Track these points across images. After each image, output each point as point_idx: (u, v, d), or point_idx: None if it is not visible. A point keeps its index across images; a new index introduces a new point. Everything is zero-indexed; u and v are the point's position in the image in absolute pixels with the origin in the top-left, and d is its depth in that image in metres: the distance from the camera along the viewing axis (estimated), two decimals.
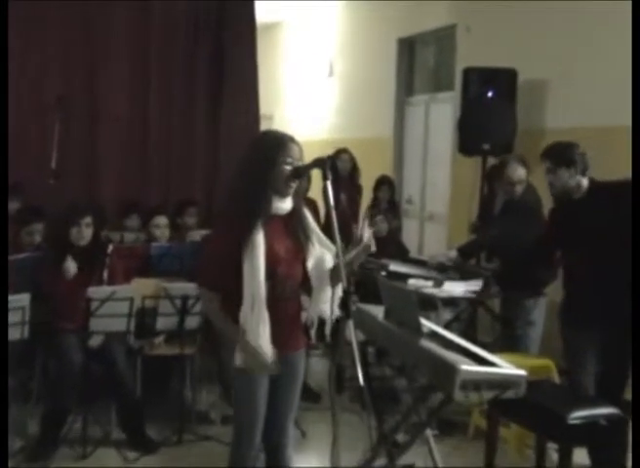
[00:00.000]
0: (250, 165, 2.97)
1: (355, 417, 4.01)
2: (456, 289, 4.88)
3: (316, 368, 6.17)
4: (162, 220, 5.60)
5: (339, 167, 6.97)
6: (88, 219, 4.52)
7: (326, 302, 3.07)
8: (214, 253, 2.98)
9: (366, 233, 2.96)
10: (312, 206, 6.76)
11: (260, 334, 2.88)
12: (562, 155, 3.98)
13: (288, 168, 2.92)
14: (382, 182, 7.22)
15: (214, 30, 7.04)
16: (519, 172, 4.98)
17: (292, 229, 3.04)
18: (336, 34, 9.72)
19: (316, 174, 2.99)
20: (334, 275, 3.04)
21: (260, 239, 2.87)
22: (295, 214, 3.05)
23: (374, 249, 2.99)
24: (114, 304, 4.14)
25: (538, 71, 6.23)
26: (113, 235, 5.75)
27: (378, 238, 6.25)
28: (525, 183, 5.00)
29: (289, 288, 2.98)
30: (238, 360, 2.91)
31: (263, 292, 2.87)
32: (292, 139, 2.99)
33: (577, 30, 5.89)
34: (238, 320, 2.88)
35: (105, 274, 4.51)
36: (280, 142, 2.96)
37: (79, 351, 4.26)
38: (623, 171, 4.01)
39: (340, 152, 7.16)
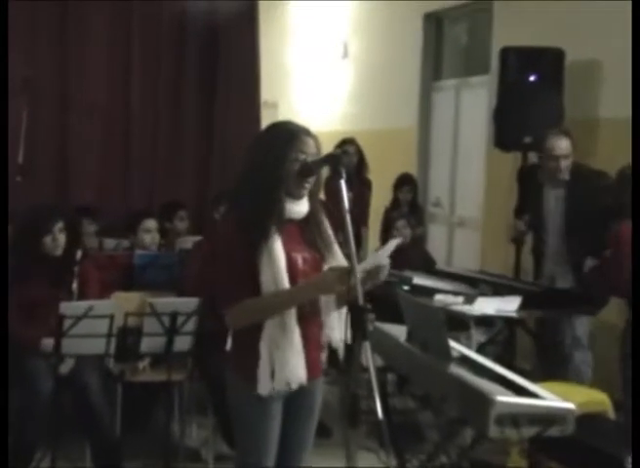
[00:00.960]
0: (257, 163, 2.95)
1: (372, 456, 3.99)
2: (490, 306, 4.86)
3: (327, 397, 6.13)
4: (152, 224, 5.58)
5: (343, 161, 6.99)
6: (61, 224, 4.53)
7: (334, 328, 3.08)
8: (228, 270, 2.93)
9: (382, 255, 2.96)
10: (325, 209, 6.77)
11: (293, 358, 2.90)
12: None
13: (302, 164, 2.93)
14: (404, 182, 7.20)
15: (205, 3, 7.06)
16: (562, 143, 4.98)
17: (309, 236, 3.03)
18: (351, 9, 9.74)
19: (324, 171, 3.01)
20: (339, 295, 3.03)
21: (278, 248, 2.87)
22: (311, 219, 3.05)
23: (383, 277, 2.98)
24: (91, 322, 4.12)
25: (589, 51, 6.21)
26: (91, 241, 5.76)
27: (400, 246, 6.29)
28: (571, 158, 4.99)
29: (308, 305, 2.96)
30: (264, 382, 2.89)
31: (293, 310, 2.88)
32: (306, 132, 2.98)
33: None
34: (257, 343, 2.88)
35: (75, 285, 4.51)
36: (292, 136, 2.94)
37: (48, 378, 4.25)
38: None
39: (345, 143, 7.15)
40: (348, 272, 2.73)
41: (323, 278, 2.86)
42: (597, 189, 5.02)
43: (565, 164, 5.04)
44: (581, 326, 5.14)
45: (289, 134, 2.96)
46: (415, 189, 7.27)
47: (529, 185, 5.52)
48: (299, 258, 2.96)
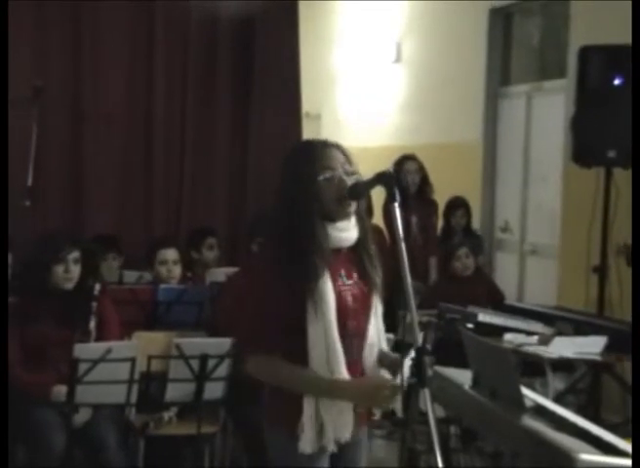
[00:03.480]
0: (285, 192, 3.00)
1: None
2: (569, 347, 4.83)
3: (380, 453, 6.14)
4: (170, 255, 5.63)
5: (404, 180, 6.99)
6: (75, 254, 4.57)
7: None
8: (262, 312, 2.90)
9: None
10: (379, 236, 6.79)
11: (342, 414, 2.89)
12: None
13: (336, 182, 2.93)
14: (456, 206, 7.24)
15: (239, 4, 7.14)
16: None
17: (358, 266, 3.02)
18: (404, 6, 9.78)
19: (376, 191, 3.01)
20: (383, 358, 3.06)
21: (327, 289, 2.85)
22: (360, 245, 3.04)
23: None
24: (109, 367, 4.16)
25: None
26: (111, 274, 5.81)
27: (462, 277, 6.29)
28: None
29: (356, 347, 2.97)
30: (308, 439, 2.87)
31: (341, 353, 2.87)
32: (328, 144, 3.01)
33: None
34: (300, 395, 2.88)
35: (92, 324, 4.54)
36: (313, 152, 2.98)
37: (60, 432, 4.28)
38: None
39: (406, 160, 7.17)
40: (396, 389, 2.79)
41: (370, 393, 2.87)
42: None
43: None
44: None
45: (310, 150, 3.00)
46: (468, 213, 7.29)
47: None
48: (348, 296, 2.95)
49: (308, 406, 2.86)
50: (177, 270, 5.63)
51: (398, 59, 9.84)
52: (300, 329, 2.83)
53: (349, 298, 2.94)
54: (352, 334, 2.95)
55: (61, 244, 4.60)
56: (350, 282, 2.98)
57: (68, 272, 4.53)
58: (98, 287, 4.69)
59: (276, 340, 2.85)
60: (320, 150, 2.97)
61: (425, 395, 2.75)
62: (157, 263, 5.62)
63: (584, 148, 6.28)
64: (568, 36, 7.35)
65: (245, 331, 3.00)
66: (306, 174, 2.92)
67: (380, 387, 2.84)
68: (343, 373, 2.86)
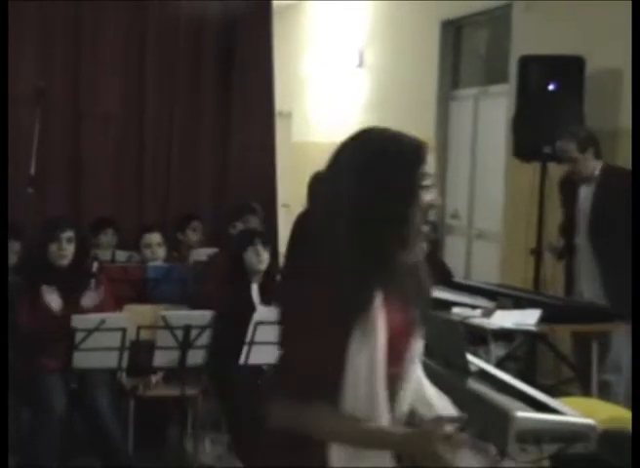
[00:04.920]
0: (369, 197, 2.11)
1: None
2: (509, 319, 4.84)
3: None
4: (154, 238, 5.64)
5: None
6: (69, 233, 4.55)
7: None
8: (325, 344, 2.04)
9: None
10: None
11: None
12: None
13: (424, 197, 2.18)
14: None
15: (220, 12, 7.11)
16: (567, 146, 5.17)
17: (410, 291, 2.27)
18: (367, 17, 9.75)
19: None
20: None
21: (381, 323, 2.10)
22: (413, 267, 2.31)
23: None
24: (103, 336, 4.15)
25: (610, 59, 6.20)
26: (103, 253, 5.78)
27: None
28: (579, 163, 5.17)
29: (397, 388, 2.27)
30: None
31: (385, 394, 2.14)
32: (423, 144, 2.27)
33: None
34: (323, 448, 2.09)
35: (97, 299, 4.52)
36: (417, 153, 2.23)
37: (61, 395, 4.25)
38: None
39: None
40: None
41: (427, 448, 2.04)
42: (627, 189, 5.07)
43: (574, 166, 5.14)
44: (619, 345, 5.12)
45: (412, 150, 2.24)
46: None
47: (567, 191, 5.57)
48: (400, 328, 2.21)
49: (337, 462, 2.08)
50: (160, 252, 5.64)
51: (361, 65, 9.82)
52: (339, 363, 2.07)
53: (401, 331, 2.22)
54: (394, 373, 2.21)
55: (56, 224, 4.57)
56: (401, 309, 2.22)
57: (62, 250, 4.50)
58: (95, 265, 4.68)
59: (336, 383, 2.06)
60: (424, 155, 2.21)
61: None
62: (143, 246, 5.63)
63: (524, 145, 6.30)
64: (510, 46, 7.36)
65: (296, 370, 2.09)
66: (411, 181, 2.15)
67: (441, 442, 2.03)
68: (385, 419, 2.12)
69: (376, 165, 2.18)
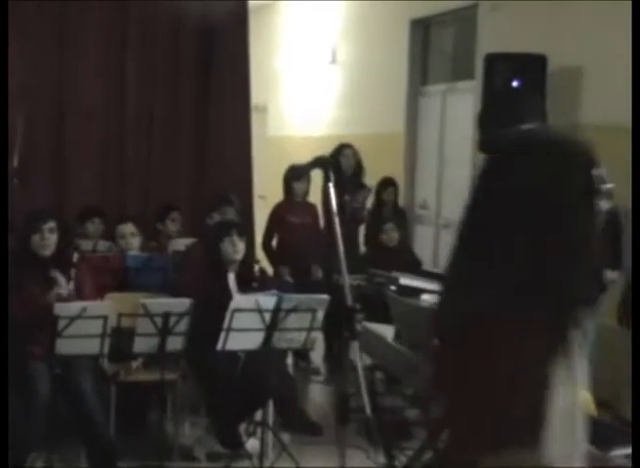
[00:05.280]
0: (572, 219, 1.96)
1: (361, 453, 4.01)
2: None
3: (317, 396, 6.17)
4: (127, 229, 5.63)
5: (342, 164, 6.98)
6: (51, 224, 4.52)
7: None
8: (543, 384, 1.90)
9: None
10: (312, 211, 6.79)
11: None
12: None
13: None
14: (387, 184, 7.25)
15: (198, 12, 7.09)
16: None
17: None
18: (339, 16, 9.75)
19: (315, 174, 3.01)
20: None
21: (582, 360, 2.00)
22: None
23: None
24: (85, 323, 4.12)
25: (571, 57, 6.24)
26: (85, 244, 5.75)
27: (388, 248, 6.33)
28: None
29: None
30: None
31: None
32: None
33: (618, 8, 5.89)
34: None
35: (71, 287, 4.51)
36: (592, 164, 2.05)
37: (45, 379, 4.24)
38: None
39: (343, 147, 7.16)
40: None
41: None
42: None
43: None
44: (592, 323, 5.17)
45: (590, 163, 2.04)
46: (397, 191, 7.31)
47: None
48: None
49: None
50: (134, 242, 5.63)
51: (334, 61, 9.82)
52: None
53: None
54: None
55: (38, 216, 4.55)
56: None
57: (44, 240, 4.48)
58: (76, 255, 4.65)
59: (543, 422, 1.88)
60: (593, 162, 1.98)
61: (355, 346, 2.77)
62: (117, 237, 5.62)
63: (489, 139, 6.30)
64: (476, 45, 7.39)
65: (509, 416, 1.92)
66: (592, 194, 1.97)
67: None
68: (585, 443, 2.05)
69: (572, 179, 2.06)
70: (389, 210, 7.11)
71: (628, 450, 3.39)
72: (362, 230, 7.33)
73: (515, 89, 6.25)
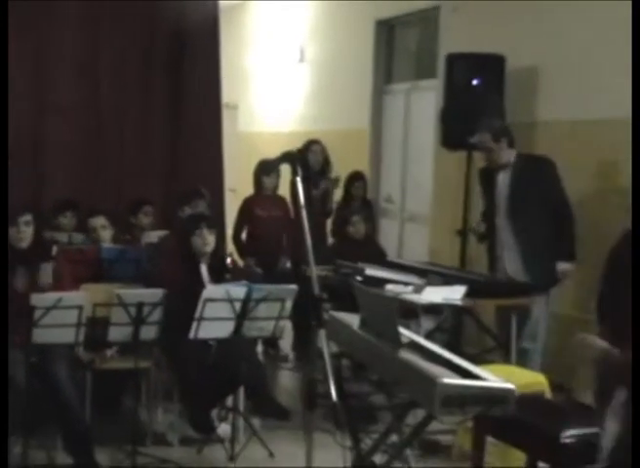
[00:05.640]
0: None
1: (328, 437, 4.01)
2: (437, 295, 4.89)
3: (286, 382, 6.18)
4: (98, 222, 5.60)
5: (310, 160, 6.96)
6: (27, 217, 4.49)
7: None
8: None
9: None
10: (281, 204, 6.78)
11: None
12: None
13: None
14: (356, 178, 7.24)
15: (171, 11, 7.06)
16: (481, 138, 5.24)
17: None
18: (307, 16, 9.73)
19: (285, 168, 3.01)
20: None
21: None
22: None
23: None
24: (61, 313, 4.09)
25: (528, 58, 6.29)
26: (60, 236, 5.71)
27: (354, 240, 6.34)
28: (500, 148, 5.22)
29: None
30: None
31: None
32: None
33: (573, 13, 5.94)
34: None
35: (51, 279, 4.47)
36: None
37: (22, 368, 4.20)
38: (626, 165, 4.05)
39: (312, 143, 7.14)
40: None
41: None
42: (540, 173, 5.16)
43: (490, 155, 5.19)
44: (537, 316, 5.22)
45: None
46: (365, 185, 7.30)
47: (486, 179, 5.57)
48: None
49: None
50: (106, 234, 5.60)
51: (302, 60, 9.81)
52: None
53: None
54: None
55: (14, 209, 4.51)
56: None
57: (20, 233, 4.44)
58: (55, 249, 4.63)
59: None
60: None
61: (322, 334, 2.77)
62: (89, 229, 5.58)
63: (450, 136, 6.36)
64: (438, 45, 7.41)
65: None
66: None
67: None
68: None
69: None
70: (358, 203, 7.11)
71: (578, 431, 3.44)
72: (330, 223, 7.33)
73: (475, 87, 6.28)
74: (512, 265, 5.31)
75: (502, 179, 5.33)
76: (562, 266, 5.19)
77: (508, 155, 5.29)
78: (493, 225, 5.46)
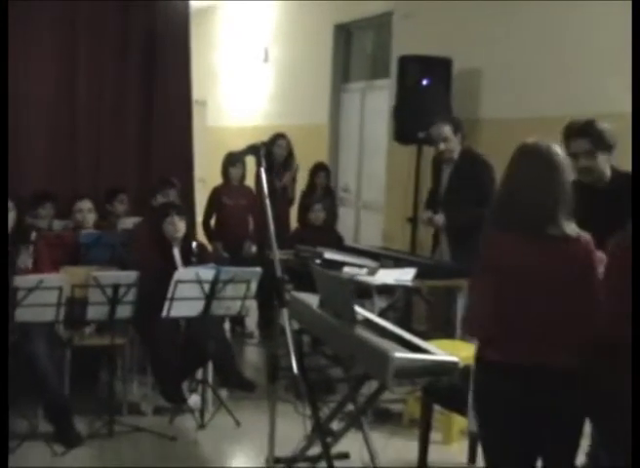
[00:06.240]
0: None
1: (290, 407, 4.04)
2: (390, 276, 4.92)
3: (252, 357, 6.19)
4: (85, 205, 5.57)
5: (275, 152, 6.89)
6: (10, 204, 4.43)
7: None
8: None
9: None
10: (247, 193, 6.76)
11: None
12: (603, 136, 3.42)
13: None
14: (319, 169, 7.20)
15: (145, 12, 6.99)
16: (441, 129, 5.16)
17: None
18: (271, 19, 9.68)
19: (250, 160, 3.00)
20: None
21: None
22: None
23: None
24: (42, 293, 4.06)
25: (473, 60, 6.32)
26: (42, 222, 5.64)
27: (314, 226, 6.34)
28: (453, 142, 5.15)
29: None
30: None
31: None
32: None
33: (513, 19, 5.99)
34: None
35: (30, 262, 4.43)
36: None
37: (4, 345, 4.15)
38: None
39: (278, 137, 7.09)
40: None
41: None
42: (477, 174, 5.15)
43: (444, 146, 5.18)
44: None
45: None
46: (328, 176, 7.27)
47: (436, 169, 5.51)
48: None
49: None
50: (90, 217, 5.57)
51: (266, 60, 9.76)
52: None
53: None
54: None
55: None
56: None
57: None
58: (34, 234, 4.57)
59: None
60: None
61: (284, 313, 2.78)
62: (75, 211, 5.54)
63: (402, 131, 6.37)
64: (391, 48, 7.42)
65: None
66: None
67: None
68: None
69: None
70: (320, 192, 7.08)
71: None
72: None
73: (425, 87, 6.30)
74: (447, 250, 5.33)
75: (446, 173, 5.33)
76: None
77: (458, 149, 5.29)
78: (437, 212, 5.46)
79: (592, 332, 2.56)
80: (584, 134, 3.41)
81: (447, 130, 5.20)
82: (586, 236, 2.65)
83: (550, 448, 2.69)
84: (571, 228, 2.63)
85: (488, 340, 2.71)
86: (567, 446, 2.70)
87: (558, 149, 2.75)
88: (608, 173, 3.48)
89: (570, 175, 2.70)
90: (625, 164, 3.53)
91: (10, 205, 4.42)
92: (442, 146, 5.21)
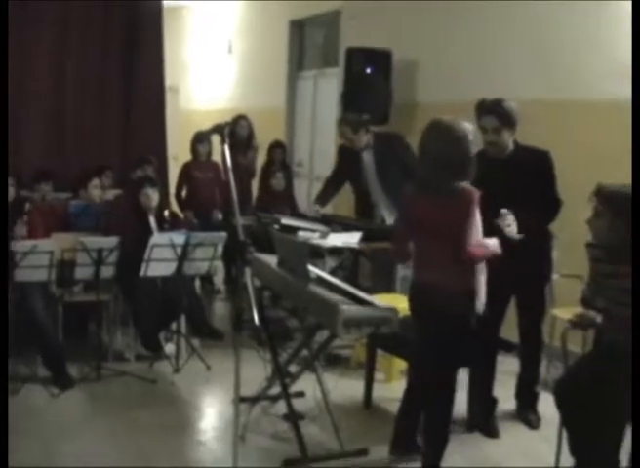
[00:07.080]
0: None
1: (253, 353, 4.05)
2: (339, 239, 4.92)
3: (219, 310, 6.18)
4: (97, 182, 5.48)
5: (238, 132, 6.83)
6: (10, 181, 4.38)
7: None
8: None
9: None
10: (214, 168, 6.69)
11: None
12: (509, 114, 3.45)
13: None
14: (276, 146, 7.16)
15: (124, 10, 6.88)
16: (344, 130, 5.17)
17: None
18: (235, 16, 9.53)
19: (216, 138, 2.96)
20: None
21: None
22: None
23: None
24: (36, 257, 4.01)
25: (410, 52, 6.30)
26: (37, 195, 5.57)
27: (275, 191, 6.32)
28: (354, 140, 5.14)
29: None
30: None
31: None
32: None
33: (445, 17, 5.97)
34: None
35: (25, 230, 4.38)
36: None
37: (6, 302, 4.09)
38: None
39: (240, 118, 7.01)
40: None
41: None
42: (394, 146, 5.12)
43: (352, 143, 5.16)
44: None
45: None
46: (284, 152, 7.23)
47: (348, 158, 5.40)
48: None
49: None
50: (97, 192, 5.45)
51: (230, 51, 9.62)
52: None
53: None
54: None
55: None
56: None
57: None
58: (28, 205, 4.54)
59: None
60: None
61: (247, 272, 2.77)
62: (91, 187, 5.40)
63: (348, 112, 6.32)
64: (340, 40, 7.36)
65: None
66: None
67: None
68: None
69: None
70: (278, 165, 7.02)
71: None
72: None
73: (368, 75, 6.27)
74: (387, 215, 5.35)
75: (367, 157, 5.27)
76: None
77: (367, 139, 5.18)
78: (362, 190, 5.41)
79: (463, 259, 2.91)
80: (492, 111, 3.48)
81: (347, 131, 5.16)
82: (471, 189, 2.87)
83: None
84: (460, 187, 2.86)
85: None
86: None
87: (463, 126, 2.86)
88: (511, 146, 3.57)
89: (468, 147, 2.84)
90: (526, 140, 3.61)
91: (10, 181, 4.37)
92: (348, 144, 5.15)
